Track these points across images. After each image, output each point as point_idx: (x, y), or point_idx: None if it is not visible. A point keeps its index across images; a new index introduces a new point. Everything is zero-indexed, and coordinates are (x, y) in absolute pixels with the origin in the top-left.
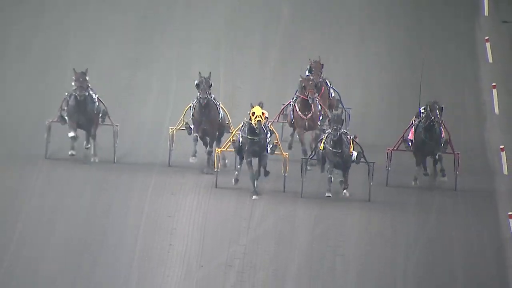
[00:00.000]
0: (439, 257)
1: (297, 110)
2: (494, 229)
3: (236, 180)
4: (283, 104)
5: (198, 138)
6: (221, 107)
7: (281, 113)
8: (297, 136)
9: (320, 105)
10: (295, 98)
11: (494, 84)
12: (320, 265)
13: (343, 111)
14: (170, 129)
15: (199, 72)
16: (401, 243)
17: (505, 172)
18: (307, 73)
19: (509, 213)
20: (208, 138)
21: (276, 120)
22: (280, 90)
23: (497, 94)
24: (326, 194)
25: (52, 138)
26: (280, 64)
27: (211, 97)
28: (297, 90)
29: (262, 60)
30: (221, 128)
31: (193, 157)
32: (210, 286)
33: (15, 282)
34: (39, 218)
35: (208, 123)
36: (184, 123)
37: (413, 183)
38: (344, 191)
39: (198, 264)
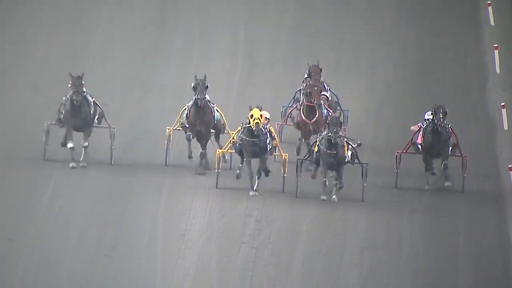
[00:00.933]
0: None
1: (302, 115)
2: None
3: (239, 175)
4: (283, 107)
5: (191, 138)
6: (216, 109)
7: (288, 116)
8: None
9: (327, 109)
10: (301, 103)
11: (496, 45)
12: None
13: (341, 113)
14: (167, 129)
15: (195, 75)
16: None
17: (506, 127)
18: (305, 77)
19: (510, 166)
20: (202, 140)
21: (284, 123)
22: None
23: (499, 55)
24: (321, 197)
25: (50, 141)
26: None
27: (207, 99)
28: (296, 91)
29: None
30: (217, 130)
31: (190, 158)
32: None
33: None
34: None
35: (203, 125)
36: (180, 123)
37: (426, 187)
38: (334, 197)
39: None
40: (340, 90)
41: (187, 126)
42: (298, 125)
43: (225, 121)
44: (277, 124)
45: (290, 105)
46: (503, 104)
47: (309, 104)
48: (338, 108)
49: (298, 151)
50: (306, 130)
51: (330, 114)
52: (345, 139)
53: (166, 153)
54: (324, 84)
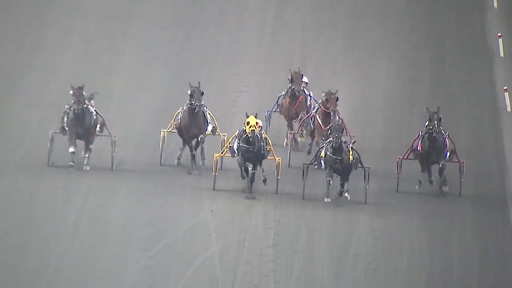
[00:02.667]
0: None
1: (318, 121)
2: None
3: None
4: (268, 111)
5: (184, 143)
6: (208, 113)
7: (301, 125)
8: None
9: (338, 116)
10: (316, 109)
11: (499, 34)
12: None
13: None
14: (162, 132)
15: (189, 83)
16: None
17: (509, 109)
18: (288, 83)
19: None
20: (193, 142)
21: (297, 131)
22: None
23: (503, 41)
24: (325, 200)
25: (54, 148)
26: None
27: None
28: (279, 96)
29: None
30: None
31: (178, 160)
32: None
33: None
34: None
35: (196, 128)
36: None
37: (417, 186)
38: (346, 193)
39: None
40: (340, 94)
41: (181, 129)
42: (313, 131)
43: (216, 124)
44: (290, 132)
45: (274, 110)
46: (505, 88)
47: (326, 110)
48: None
49: (309, 152)
50: (321, 135)
51: (342, 121)
52: (350, 145)
53: (161, 154)
54: (305, 89)
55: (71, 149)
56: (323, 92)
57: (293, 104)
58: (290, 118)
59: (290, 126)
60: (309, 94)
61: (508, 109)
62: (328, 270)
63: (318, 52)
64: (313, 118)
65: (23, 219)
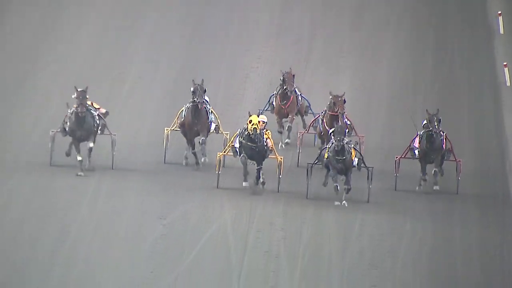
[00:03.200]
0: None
1: (326, 124)
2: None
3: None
4: (259, 110)
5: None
6: (211, 111)
7: (311, 125)
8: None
9: (347, 118)
10: (323, 113)
11: (499, 12)
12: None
13: (314, 117)
14: (165, 130)
15: (193, 80)
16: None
17: (508, 84)
18: (280, 83)
19: None
20: (194, 139)
21: (307, 131)
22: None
23: (503, 18)
24: (335, 203)
25: (55, 147)
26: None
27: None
28: (271, 95)
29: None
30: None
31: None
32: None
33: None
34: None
35: (200, 125)
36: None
37: (417, 188)
38: (344, 202)
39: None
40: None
41: (183, 126)
42: (321, 133)
43: (219, 122)
44: (300, 132)
45: (265, 109)
46: (505, 63)
47: (333, 113)
48: (310, 111)
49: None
50: (328, 138)
51: (350, 123)
52: (353, 145)
53: (165, 152)
54: (296, 89)
55: (79, 158)
56: (330, 95)
57: (285, 104)
58: (280, 117)
59: (281, 125)
60: (300, 94)
61: (508, 83)
62: (335, 238)
63: (327, 27)
64: (321, 121)
65: (45, 189)
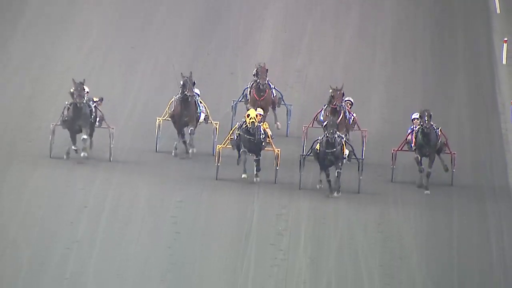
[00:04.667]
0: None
1: (327, 117)
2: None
3: (241, 162)
4: (234, 101)
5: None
6: (200, 101)
7: (315, 119)
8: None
9: (348, 111)
10: (325, 107)
11: None
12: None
13: (287, 108)
14: (157, 119)
15: (181, 73)
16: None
17: (504, 62)
18: (254, 77)
19: None
20: (184, 129)
21: (311, 125)
22: None
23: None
24: (332, 195)
25: (55, 140)
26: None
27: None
28: (245, 88)
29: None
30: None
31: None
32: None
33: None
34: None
35: (188, 117)
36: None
37: (425, 192)
38: (335, 193)
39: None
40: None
41: (173, 117)
42: (324, 126)
43: (208, 112)
44: (304, 126)
45: (240, 100)
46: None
47: (333, 106)
48: (282, 103)
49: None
50: None
51: (353, 117)
52: (344, 139)
53: (156, 141)
54: (269, 83)
55: (74, 147)
56: (330, 89)
57: (260, 97)
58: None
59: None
60: (274, 87)
61: (504, 61)
62: (332, 228)
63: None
64: (323, 115)
65: (63, 177)
